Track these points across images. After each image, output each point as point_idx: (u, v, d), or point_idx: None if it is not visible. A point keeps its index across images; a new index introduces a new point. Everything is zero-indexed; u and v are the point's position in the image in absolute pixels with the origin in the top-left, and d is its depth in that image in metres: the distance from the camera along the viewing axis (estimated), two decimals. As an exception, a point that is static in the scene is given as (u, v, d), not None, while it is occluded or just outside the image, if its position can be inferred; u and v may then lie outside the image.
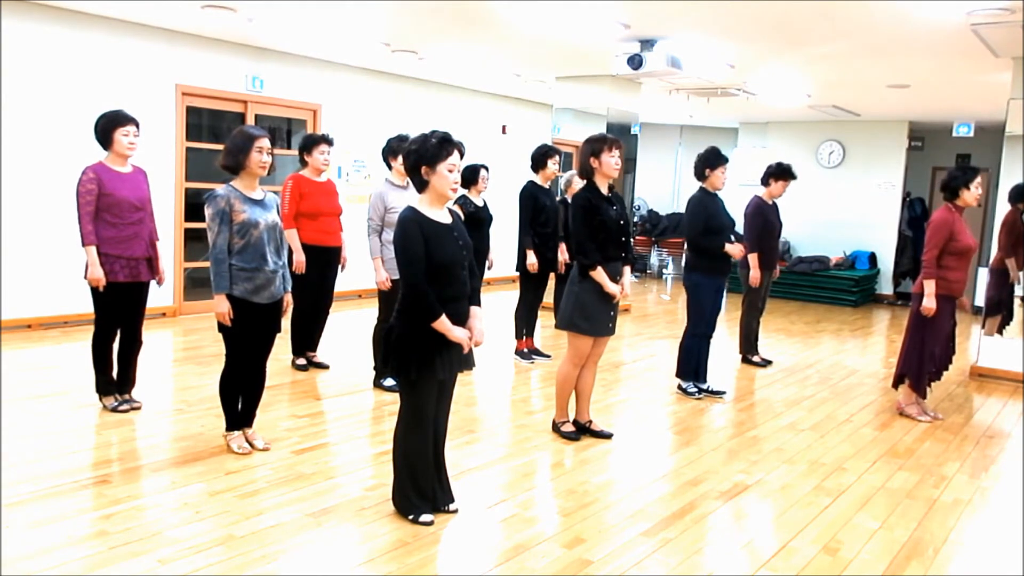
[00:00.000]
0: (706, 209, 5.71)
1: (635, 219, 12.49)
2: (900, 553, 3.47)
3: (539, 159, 6.70)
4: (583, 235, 4.49)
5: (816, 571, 3.26)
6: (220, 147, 9.01)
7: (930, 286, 5.26)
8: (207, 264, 3.99)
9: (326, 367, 6.09)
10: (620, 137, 9.47)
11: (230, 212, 3.93)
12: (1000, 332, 7.01)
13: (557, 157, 6.76)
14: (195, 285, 8.46)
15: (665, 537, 3.51)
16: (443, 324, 3.27)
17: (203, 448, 4.32)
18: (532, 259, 6.51)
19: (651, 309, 10.40)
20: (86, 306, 7.38)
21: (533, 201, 6.59)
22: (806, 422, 5.46)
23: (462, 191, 5.76)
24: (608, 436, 4.83)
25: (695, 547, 3.43)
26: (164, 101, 7.73)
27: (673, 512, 3.79)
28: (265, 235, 4.01)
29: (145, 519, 3.41)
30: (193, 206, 8.91)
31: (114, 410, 4.79)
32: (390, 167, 5.48)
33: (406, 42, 7.96)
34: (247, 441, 4.29)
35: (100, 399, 4.87)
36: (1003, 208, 6.95)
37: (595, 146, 4.53)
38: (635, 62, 7.00)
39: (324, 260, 5.81)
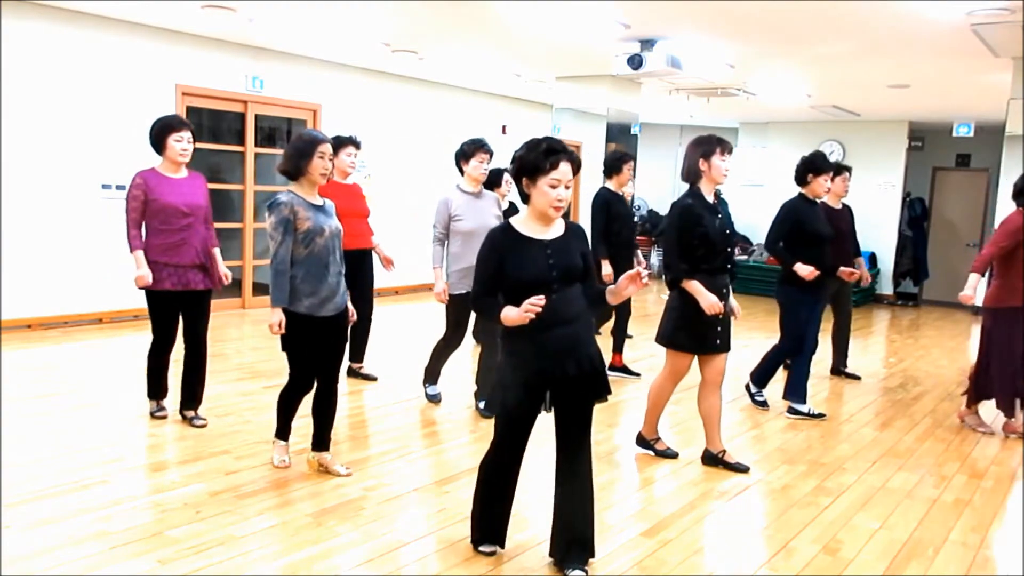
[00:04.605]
0: (799, 216, 5.34)
1: (635, 219, 12.49)
2: (900, 553, 3.47)
3: (614, 164, 6.23)
4: (673, 245, 4.15)
5: (816, 571, 3.26)
6: (220, 147, 9.12)
7: (973, 279, 4.99)
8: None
9: (373, 379, 5.89)
10: (620, 137, 9.59)
11: (294, 220, 3.71)
12: None
13: (632, 163, 6.29)
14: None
15: (665, 537, 3.50)
16: (507, 315, 2.87)
17: (203, 448, 4.32)
18: (608, 270, 6.05)
19: (651, 309, 10.40)
20: (86, 306, 7.44)
21: (607, 209, 6.16)
22: (807, 422, 5.45)
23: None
24: (745, 469, 4.35)
25: (695, 547, 3.43)
26: (164, 101, 7.73)
27: (673, 512, 3.79)
28: (329, 243, 3.82)
29: (145, 519, 3.41)
30: (193, 206, 8.91)
31: (153, 415, 4.74)
32: (462, 172, 5.14)
33: (406, 42, 7.96)
34: (324, 467, 4.06)
35: (149, 404, 4.82)
36: (1004, 208, 6.93)
37: (706, 148, 4.13)
38: (635, 62, 7.00)
39: (356, 264, 5.47)
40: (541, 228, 3.00)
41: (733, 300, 4.33)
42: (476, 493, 3.24)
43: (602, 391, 3.07)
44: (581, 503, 3.10)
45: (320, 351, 3.93)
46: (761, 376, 5.74)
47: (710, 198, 4.21)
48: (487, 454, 3.19)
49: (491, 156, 5.14)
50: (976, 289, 5.00)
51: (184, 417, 4.74)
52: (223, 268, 4.75)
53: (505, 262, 2.94)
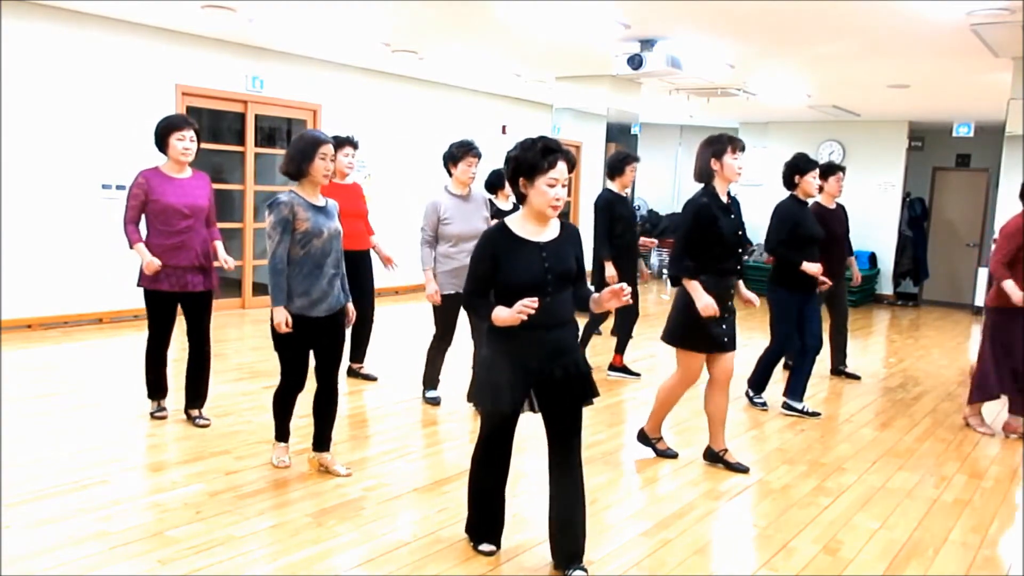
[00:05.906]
0: (795, 217, 5.37)
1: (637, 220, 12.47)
2: (900, 553, 3.47)
3: (617, 166, 6.19)
4: (681, 244, 4.14)
5: (816, 571, 3.26)
6: (220, 147, 9.12)
7: (1010, 284, 4.98)
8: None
9: (373, 379, 5.90)
10: (620, 137, 9.59)
11: (293, 220, 3.69)
12: None
13: (635, 164, 6.24)
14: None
15: (665, 537, 3.51)
16: (499, 315, 2.88)
17: (204, 448, 4.32)
18: (611, 271, 5.98)
19: (651, 309, 10.39)
20: (86, 306, 7.44)
21: (610, 210, 6.12)
22: (806, 422, 5.45)
23: (488, 196, 5.59)
24: (745, 470, 4.35)
25: (695, 547, 3.43)
26: (164, 101, 7.73)
27: (673, 512, 3.79)
28: (327, 244, 3.79)
29: (145, 519, 3.41)
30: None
31: (153, 416, 4.74)
32: (450, 173, 5.13)
33: (406, 42, 7.96)
34: (325, 467, 4.05)
35: (149, 404, 4.81)
36: (1004, 208, 6.93)
37: (716, 147, 4.11)
38: (635, 62, 7.00)
39: (354, 265, 5.35)
40: (537, 229, 2.98)
41: (749, 292, 4.35)
42: (469, 491, 3.26)
43: (588, 394, 3.08)
44: (572, 505, 3.10)
45: (314, 351, 3.93)
46: (758, 381, 5.76)
47: (723, 197, 4.20)
48: (475, 451, 3.21)
49: (479, 159, 5.14)
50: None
51: (188, 416, 4.74)
52: (224, 255, 4.68)
53: (500, 263, 2.93)
